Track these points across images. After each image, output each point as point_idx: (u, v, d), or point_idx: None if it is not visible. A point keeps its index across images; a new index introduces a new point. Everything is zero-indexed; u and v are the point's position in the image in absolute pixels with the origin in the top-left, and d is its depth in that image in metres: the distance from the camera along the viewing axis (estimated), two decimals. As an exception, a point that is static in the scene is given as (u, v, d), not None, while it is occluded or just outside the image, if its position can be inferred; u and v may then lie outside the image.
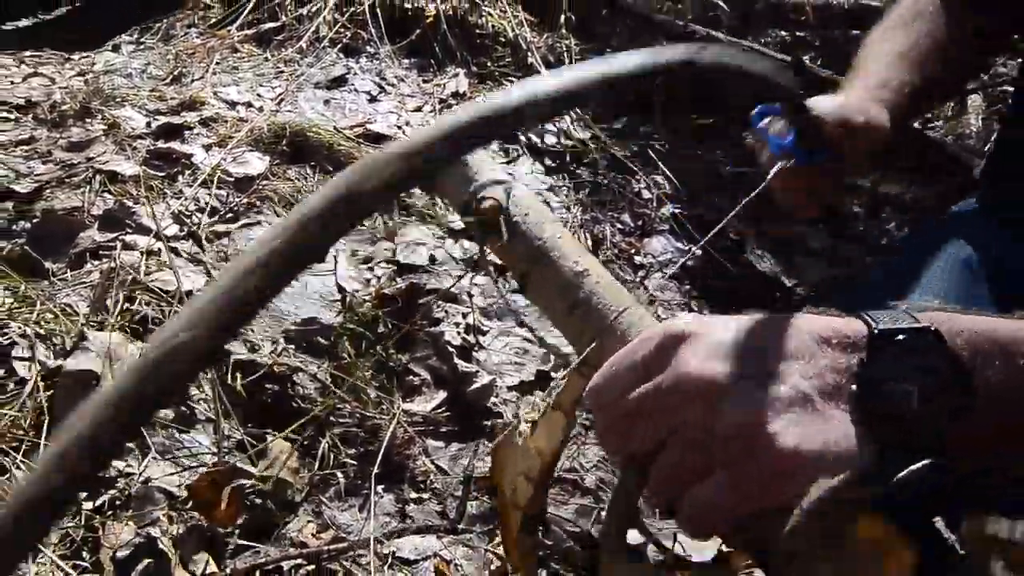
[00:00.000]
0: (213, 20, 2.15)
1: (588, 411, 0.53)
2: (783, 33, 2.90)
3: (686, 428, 0.43)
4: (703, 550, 0.60)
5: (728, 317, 0.47)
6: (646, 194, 1.66)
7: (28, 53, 1.93)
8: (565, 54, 2.00)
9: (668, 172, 1.73)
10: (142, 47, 2.08)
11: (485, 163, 0.72)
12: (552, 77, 0.39)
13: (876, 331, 0.43)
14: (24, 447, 0.83)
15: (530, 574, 0.82)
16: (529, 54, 1.98)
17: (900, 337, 0.43)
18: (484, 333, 1.23)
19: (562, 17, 2.12)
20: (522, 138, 1.76)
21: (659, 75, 0.44)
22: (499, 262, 0.70)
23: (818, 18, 2.77)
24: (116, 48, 2.08)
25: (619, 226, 1.57)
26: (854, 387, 0.42)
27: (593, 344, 0.56)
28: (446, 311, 1.22)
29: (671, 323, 0.48)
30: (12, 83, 1.61)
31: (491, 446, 0.98)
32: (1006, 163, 0.91)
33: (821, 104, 0.74)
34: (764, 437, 0.40)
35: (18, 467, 0.81)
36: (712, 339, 0.44)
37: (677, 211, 1.61)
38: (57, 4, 2.58)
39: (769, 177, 0.75)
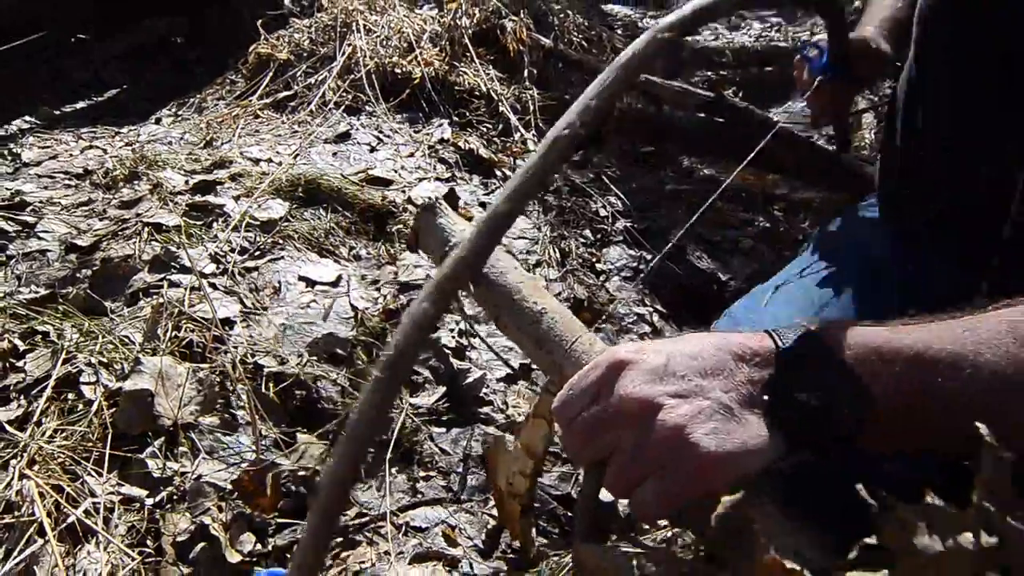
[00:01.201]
0: (238, 92, 2.12)
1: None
2: (709, 73, 2.91)
3: (627, 442, 0.44)
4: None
5: (661, 343, 0.48)
6: (602, 212, 1.64)
7: (85, 130, 1.91)
8: (529, 102, 1.97)
9: (620, 193, 1.71)
10: (179, 119, 2.05)
11: (457, 223, 0.72)
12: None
13: (782, 349, 0.44)
14: (93, 457, 0.82)
15: (528, 542, 0.82)
16: (500, 104, 1.97)
17: (802, 354, 0.43)
18: (473, 336, 1.22)
19: (525, 72, 2.10)
20: (498, 172, 1.76)
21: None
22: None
23: (735, 59, 2.78)
24: (158, 121, 2.05)
25: (581, 240, 1.54)
26: (766, 397, 0.43)
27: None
28: (443, 322, 1.21)
29: (614, 351, 0.49)
30: (71, 156, 1.59)
31: (486, 453, 0.96)
32: (887, 181, 0.91)
33: (851, 36, 0.85)
34: (688, 446, 0.41)
35: (89, 474, 0.80)
36: (646, 365, 0.45)
37: (629, 225, 1.59)
38: (108, 88, 2.55)
39: (815, 85, 0.87)
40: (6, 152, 1.59)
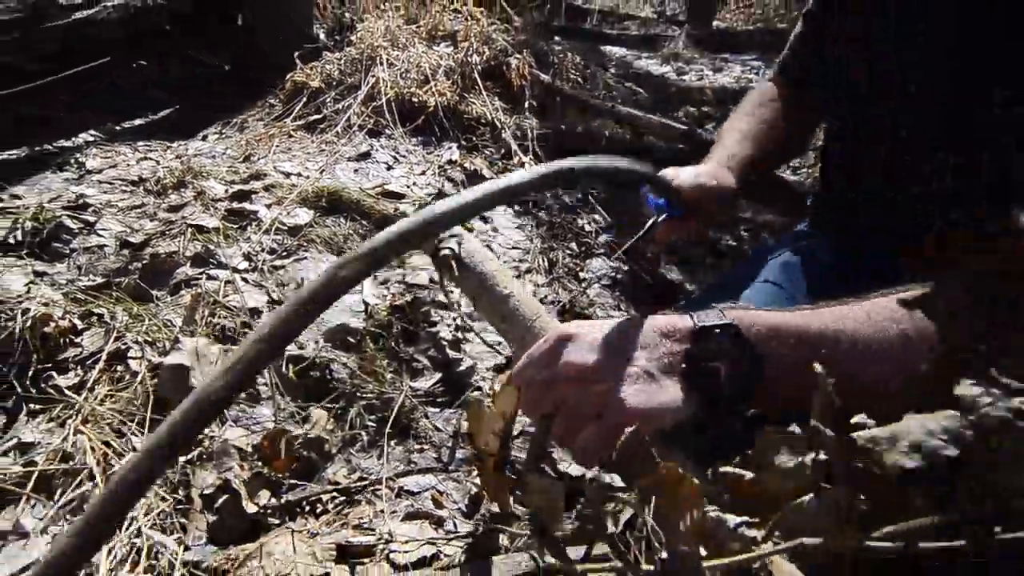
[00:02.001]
0: (276, 114, 2.18)
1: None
2: (692, 109, 2.96)
3: (570, 399, 0.48)
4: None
5: (601, 321, 0.52)
6: (587, 228, 1.68)
7: (140, 143, 1.97)
8: (529, 130, 2.02)
9: (603, 212, 1.76)
10: (223, 136, 2.11)
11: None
12: (466, 193, 0.44)
13: (696, 327, 0.48)
14: (137, 419, 0.87)
15: (503, 502, 0.86)
16: (503, 131, 2.02)
17: (713, 331, 0.47)
18: (469, 331, 1.26)
19: (526, 103, 2.16)
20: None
21: (547, 185, 0.49)
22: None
23: (715, 98, 2.82)
24: (204, 137, 2.11)
25: (568, 251, 1.58)
26: (683, 365, 0.47)
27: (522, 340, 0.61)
28: (441, 316, 1.23)
29: (563, 327, 0.53)
30: (128, 165, 1.65)
31: (467, 416, 1.00)
32: (820, 200, 0.96)
33: (683, 174, 0.78)
34: (617, 402, 0.45)
35: (133, 433, 0.85)
36: (587, 338, 0.49)
37: (609, 239, 1.65)
38: (162, 108, 2.62)
39: (647, 226, 0.78)
40: (73, 161, 1.65)
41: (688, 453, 0.46)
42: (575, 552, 0.49)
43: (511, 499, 0.89)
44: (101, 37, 2.24)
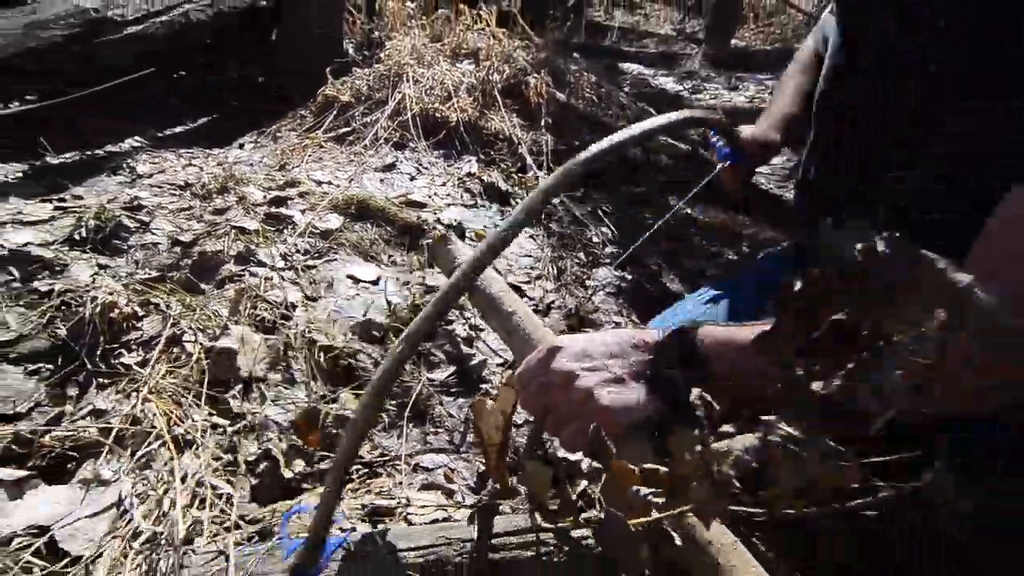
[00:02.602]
0: (307, 126, 2.34)
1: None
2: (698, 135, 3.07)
3: (558, 401, 0.59)
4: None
5: (587, 335, 0.64)
6: (595, 239, 1.80)
7: (183, 150, 2.14)
8: (544, 146, 2.15)
9: (611, 225, 1.87)
10: (258, 146, 2.27)
11: (461, 247, 0.90)
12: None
13: (659, 341, 0.59)
14: (192, 393, 1.01)
15: (504, 483, 0.98)
16: (519, 146, 2.16)
17: (673, 344, 0.58)
18: (482, 329, 1.39)
19: (542, 121, 2.30)
20: (512, 202, 1.93)
21: (661, 132, 0.65)
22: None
23: (729, 117, 2.93)
24: (241, 146, 2.27)
25: (576, 260, 1.69)
26: (647, 373, 0.58)
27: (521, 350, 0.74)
28: (456, 315, 1.35)
29: (554, 339, 0.65)
30: (175, 171, 1.81)
31: (472, 412, 1.13)
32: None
33: (745, 131, 1.01)
34: (594, 402, 0.56)
35: (189, 405, 0.99)
36: (572, 350, 0.60)
37: (615, 251, 1.76)
38: (201, 116, 2.79)
39: (717, 169, 1.06)
40: (125, 166, 1.82)
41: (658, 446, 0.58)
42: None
43: (511, 480, 1.02)
44: (149, 50, 2.43)
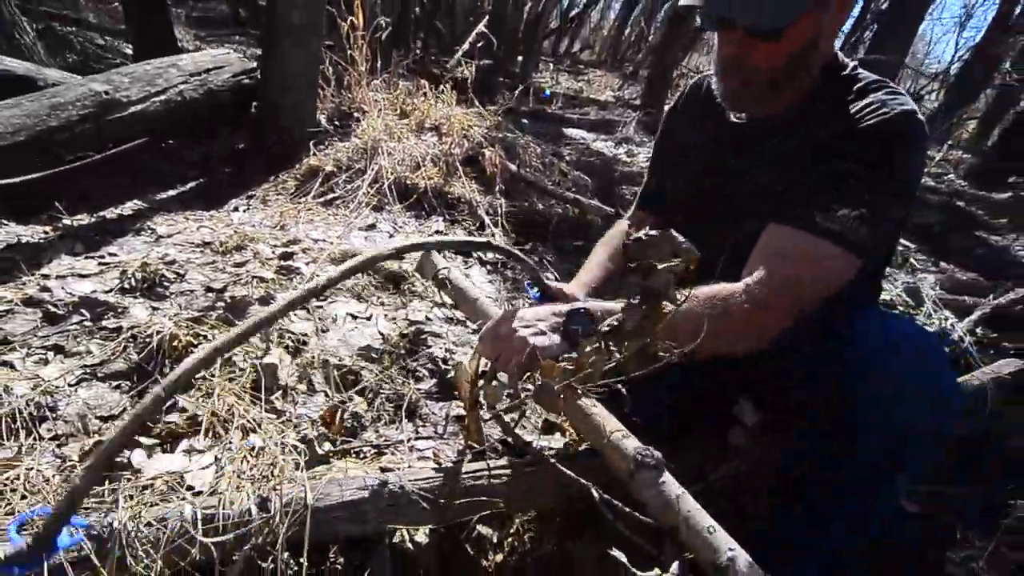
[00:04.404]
0: (291, 191, 2.76)
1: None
2: (635, 188, 3.66)
3: (504, 347, 1.04)
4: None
5: (524, 308, 1.12)
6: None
7: (190, 213, 2.53)
8: (499, 208, 2.65)
9: (553, 271, 2.37)
10: (251, 208, 2.67)
11: (440, 259, 1.37)
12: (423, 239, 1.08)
13: (568, 310, 1.07)
14: (247, 396, 1.41)
15: (479, 439, 1.40)
16: (478, 208, 2.66)
17: (576, 311, 1.05)
18: (454, 354, 1.82)
19: (497, 187, 2.80)
20: (475, 256, 2.40)
21: (477, 248, 1.12)
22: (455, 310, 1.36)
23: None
24: (236, 209, 2.67)
25: (527, 298, 2.17)
26: (560, 328, 1.05)
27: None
28: (434, 340, 1.77)
29: (503, 312, 1.11)
30: (191, 232, 2.20)
31: (454, 375, 1.57)
32: None
33: (553, 286, 1.37)
34: (528, 345, 1.02)
35: (249, 404, 1.38)
36: (514, 316, 1.06)
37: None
38: (188, 181, 3.17)
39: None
40: (147, 228, 2.21)
41: (620, 407, 1.03)
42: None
43: (483, 436, 1.44)
44: (150, 126, 2.84)
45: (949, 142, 6.36)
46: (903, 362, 0.90)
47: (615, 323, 0.96)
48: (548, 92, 6.79)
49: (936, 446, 0.94)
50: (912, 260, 3.04)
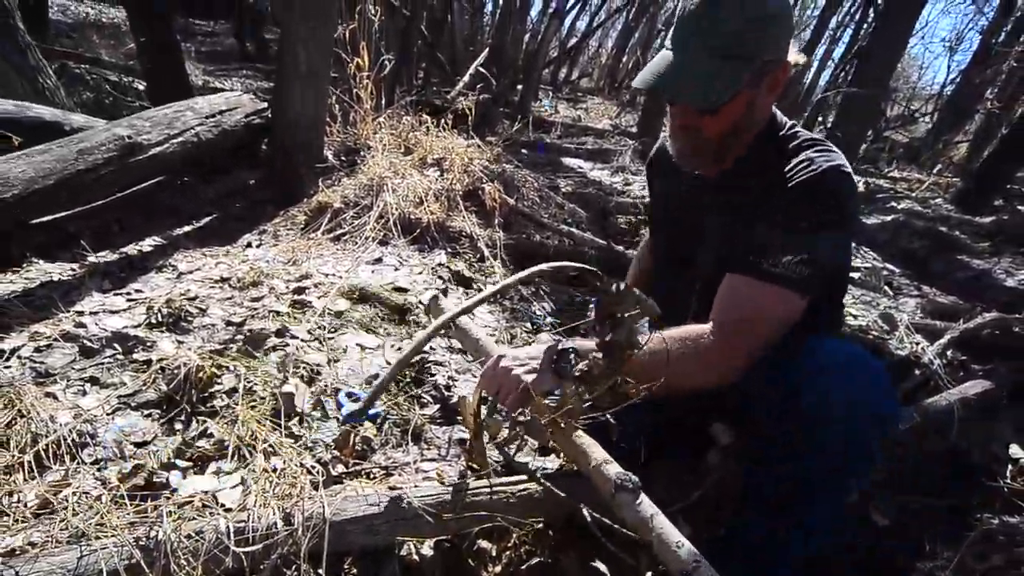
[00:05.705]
0: (301, 226, 2.94)
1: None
2: (629, 217, 3.84)
3: (503, 383, 1.20)
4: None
5: (521, 348, 1.27)
6: (538, 312, 2.44)
7: (204, 249, 2.71)
8: (498, 241, 2.81)
9: (550, 301, 2.53)
10: (263, 244, 2.85)
11: (447, 303, 1.53)
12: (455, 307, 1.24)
13: (559, 349, 1.22)
14: (268, 424, 1.55)
15: (481, 455, 1.54)
16: (478, 242, 2.82)
17: (567, 351, 1.21)
18: (456, 381, 1.97)
19: (496, 220, 2.98)
20: (474, 286, 2.56)
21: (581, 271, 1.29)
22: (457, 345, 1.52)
23: (645, 210, 3.71)
24: (249, 245, 2.85)
25: (524, 329, 2.30)
26: (552, 366, 1.20)
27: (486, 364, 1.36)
28: (438, 369, 1.91)
29: (501, 350, 1.27)
30: (209, 268, 2.37)
31: (459, 407, 1.72)
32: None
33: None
34: (522, 382, 1.18)
35: (269, 429, 1.53)
36: (510, 356, 1.22)
37: (553, 320, 2.39)
38: (203, 217, 3.35)
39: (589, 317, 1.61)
40: (168, 265, 2.38)
41: (608, 435, 1.18)
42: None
43: (487, 460, 1.58)
44: (169, 167, 3.04)
45: (939, 166, 6.55)
46: (844, 379, 1.05)
47: (584, 368, 1.11)
48: (549, 105, 7.02)
49: (876, 453, 1.08)
50: (894, 283, 3.19)
